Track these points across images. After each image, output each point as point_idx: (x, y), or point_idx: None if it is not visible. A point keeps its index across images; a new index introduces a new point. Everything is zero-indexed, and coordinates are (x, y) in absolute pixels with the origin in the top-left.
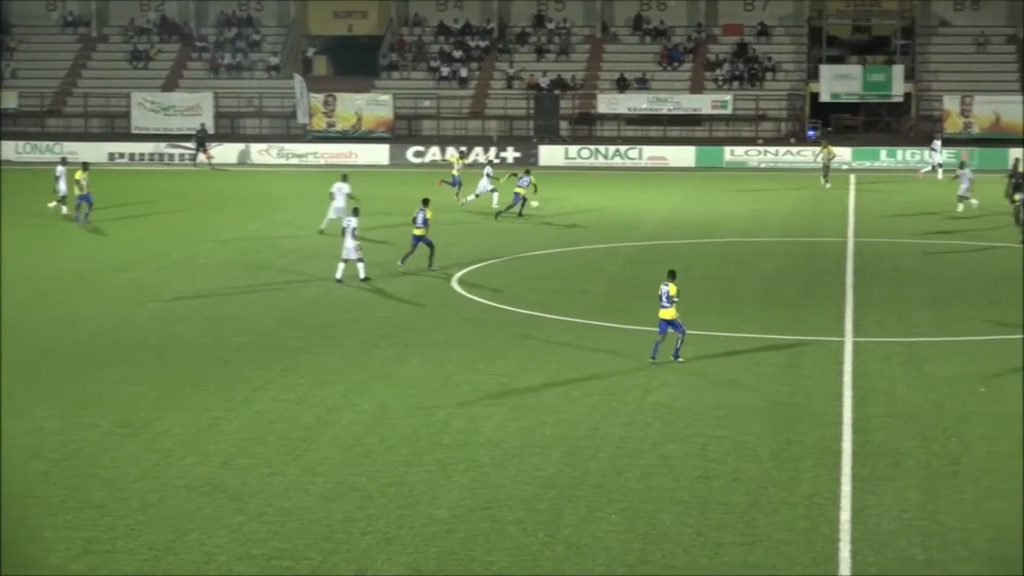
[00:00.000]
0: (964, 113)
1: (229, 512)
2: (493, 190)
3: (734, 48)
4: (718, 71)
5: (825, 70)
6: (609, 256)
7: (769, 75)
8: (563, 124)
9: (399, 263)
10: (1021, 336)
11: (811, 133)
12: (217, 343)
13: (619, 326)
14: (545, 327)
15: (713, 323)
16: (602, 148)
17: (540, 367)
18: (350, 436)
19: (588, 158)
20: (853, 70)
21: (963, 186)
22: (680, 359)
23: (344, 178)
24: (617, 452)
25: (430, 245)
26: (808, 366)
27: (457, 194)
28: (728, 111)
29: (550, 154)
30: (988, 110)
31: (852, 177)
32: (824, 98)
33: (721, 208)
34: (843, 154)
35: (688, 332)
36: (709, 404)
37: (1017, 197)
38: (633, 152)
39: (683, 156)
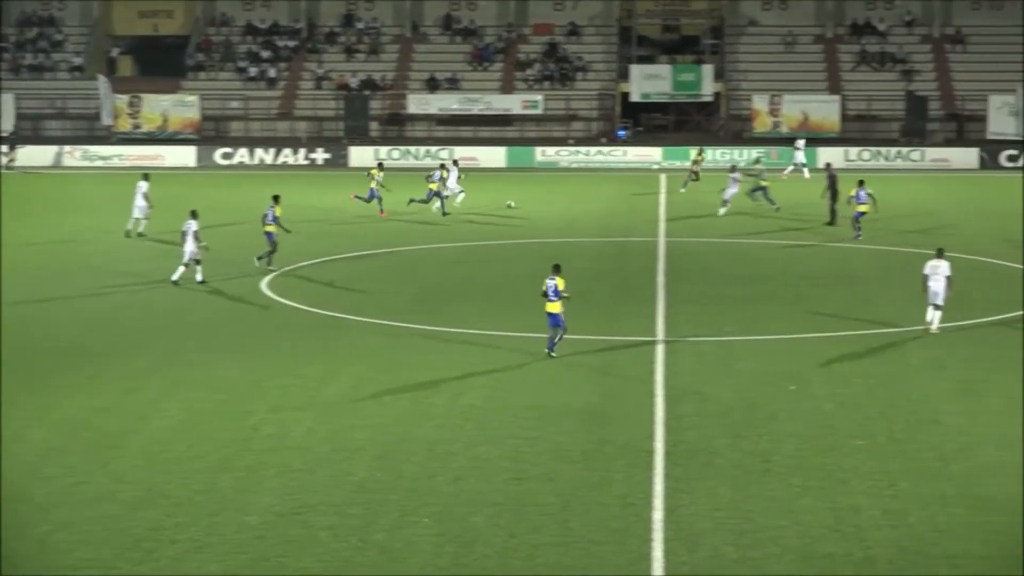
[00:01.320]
0: (773, 112)
1: (34, 522)
2: (460, 191)
3: (544, 48)
4: (529, 71)
5: (635, 70)
6: (421, 258)
7: (580, 75)
8: (373, 125)
9: (256, 261)
10: (828, 334)
11: (621, 133)
12: (22, 350)
13: (432, 328)
14: (356, 330)
15: (526, 324)
16: (413, 149)
17: (351, 370)
18: (159, 443)
19: (399, 159)
20: (663, 70)
21: (730, 191)
22: (554, 355)
23: (145, 177)
24: (429, 455)
25: (272, 244)
26: (620, 366)
27: (381, 209)
28: (539, 111)
29: (360, 155)
30: (796, 109)
31: (663, 177)
32: (635, 98)
33: (533, 209)
34: (653, 154)
35: (502, 334)
36: (522, 406)
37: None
38: (444, 153)
39: (494, 156)
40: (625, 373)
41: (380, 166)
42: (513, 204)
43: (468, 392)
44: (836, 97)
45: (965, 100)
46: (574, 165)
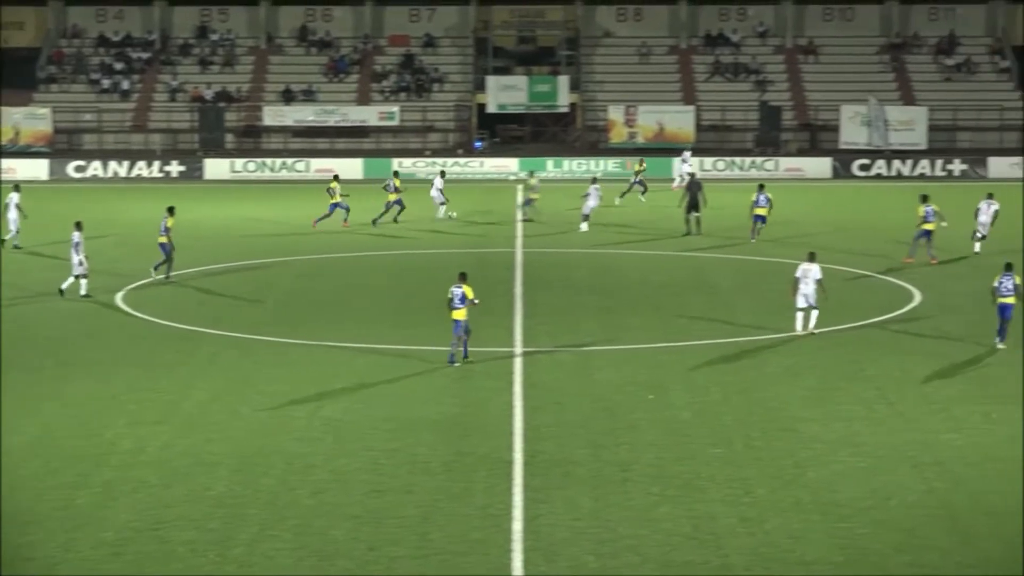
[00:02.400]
0: (629, 123)
1: None
2: (443, 201)
3: (401, 59)
4: (385, 82)
5: (491, 81)
6: (279, 270)
7: (436, 86)
8: (228, 137)
9: (152, 272)
10: (687, 343)
11: (478, 144)
12: None
13: (288, 341)
14: (212, 343)
15: (384, 336)
16: (269, 161)
17: (207, 384)
18: (13, 459)
19: (255, 171)
20: (519, 81)
21: (590, 203)
22: (469, 359)
23: (16, 188)
24: (288, 468)
25: (167, 254)
26: (479, 377)
27: (345, 219)
28: (396, 122)
29: (216, 167)
30: (652, 120)
31: (520, 188)
32: (491, 109)
33: (391, 219)
34: (510, 165)
35: (360, 346)
36: (381, 417)
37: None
38: (300, 165)
39: (351, 168)
40: (484, 384)
41: (336, 178)
42: (455, 215)
43: (327, 404)
44: (691, 107)
45: (818, 110)
46: (431, 176)
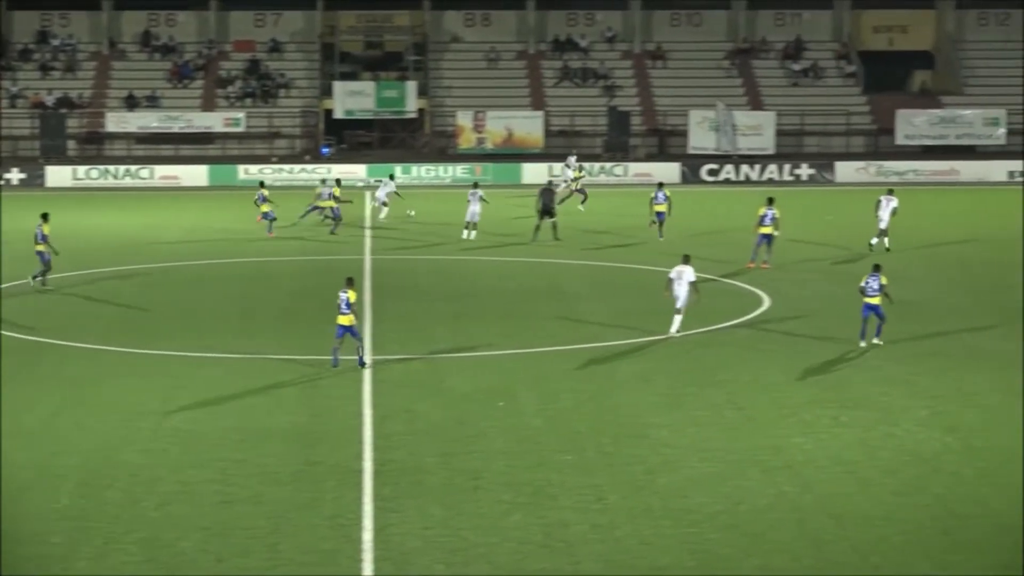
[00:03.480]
0: (477, 128)
1: None
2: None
3: (246, 64)
4: (230, 88)
5: (338, 86)
6: (124, 279)
7: (282, 92)
8: (71, 144)
9: (31, 281)
10: (537, 349)
11: (325, 150)
12: None
13: (133, 351)
14: (56, 354)
15: (231, 345)
16: (112, 168)
17: (51, 396)
18: None
19: (98, 178)
20: (367, 86)
21: (473, 209)
22: (367, 364)
23: None
24: (134, 480)
25: (45, 263)
26: (328, 386)
27: (270, 230)
28: (241, 129)
29: (58, 175)
30: (500, 125)
31: (368, 194)
32: (338, 115)
33: (238, 227)
34: (358, 171)
35: (207, 355)
36: (229, 427)
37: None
38: (144, 171)
39: (196, 175)
40: (332, 392)
41: (262, 184)
42: (413, 213)
43: (173, 415)
44: (539, 113)
45: (666, 115)
46: (278, 183)
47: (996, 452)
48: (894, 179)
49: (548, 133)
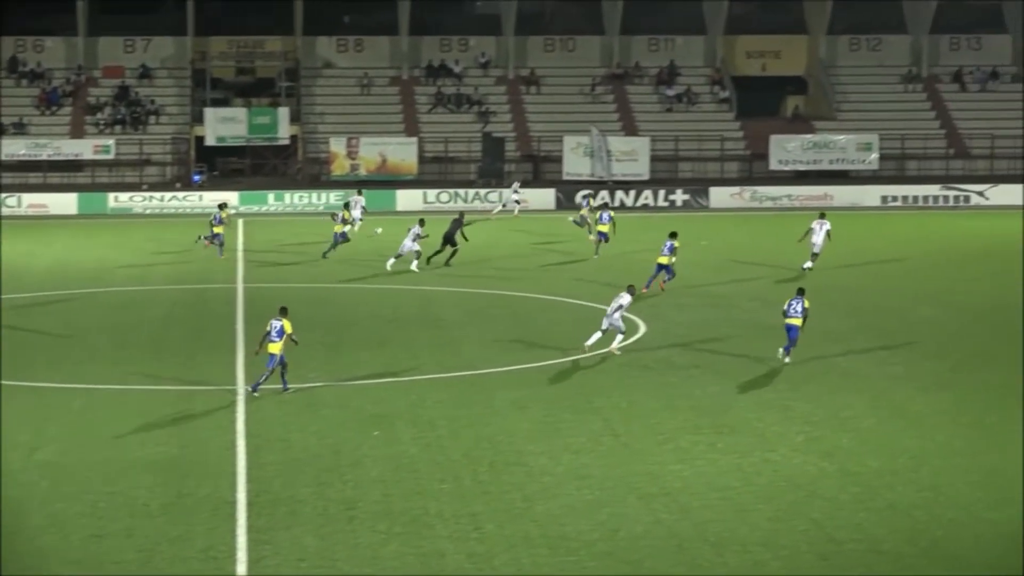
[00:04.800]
0: (351, 155)
1: None
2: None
3: (115, 91)
4: (100, 115)
5: (210, 113)
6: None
7: (153, 118)
8: None
9: None
10: (412, 377)
11: (196, 178)
12: None
13: (3, 382)
14: None
15: (103, 375)
16: None
17: None
18: None
19: None
20: (238, 113)
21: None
22: (290, 389)
23: None
24: (3, 513)
25: None
26: (200, 416)
27: (216, 245)
28: (111, 156)
29: None
30: (374, 152)
31: (240, 222)
32: (210, 141)
33: (108, 256)
34: (230, 198)
35: (78, 386)
36: (99, 460)
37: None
38: (12, 200)
39: (65, 203)
40: (205, 423)
41: (221, 207)
42: (380, 231)
43: (43, 447)
44: (413, 139)
45: (541, 141)
46: (148, 211)
47: (872, 476)
48: (768, 204)
49: (422, 159)
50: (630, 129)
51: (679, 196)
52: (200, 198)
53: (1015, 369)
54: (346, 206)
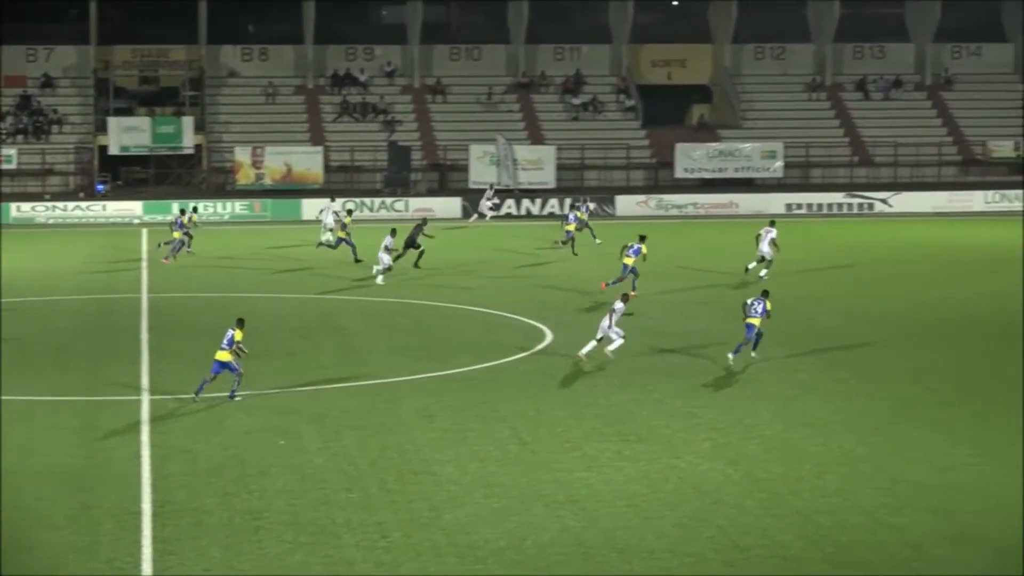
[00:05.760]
0: (256, 164)
1: None
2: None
3: (17, 100)
4: (1, 124)
5: (113, 122)
6: None
7: (55, 128)
8: None
9: None
10: (319, 387)
11: (100, 187)
12: None
13: None
14: None
15: (5, 386)
16: None
17: None
18: None
19: None
20: (142, 122)
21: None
22: (237, 398)
23: None
24: None
25: None
26: (105, 427)
27: (172, 254)
28: (13, 166)
29: None
30: (279, 161)
31: (145, 231)
32: (113, 151)
33: (10, 266)
34: (134, 208)
35: None
36: (3, 471)
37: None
38: None
39: None
40: (109, 434)
41: (192, 210)
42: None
43: None
44: (319, 148)
45: (447, 150)
46: (51, 221)
47: (778, 483)
48: (674, 212)
49: (328, 168)
50: (536, 138)
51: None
52: (104, 208)
53: (917, 378)
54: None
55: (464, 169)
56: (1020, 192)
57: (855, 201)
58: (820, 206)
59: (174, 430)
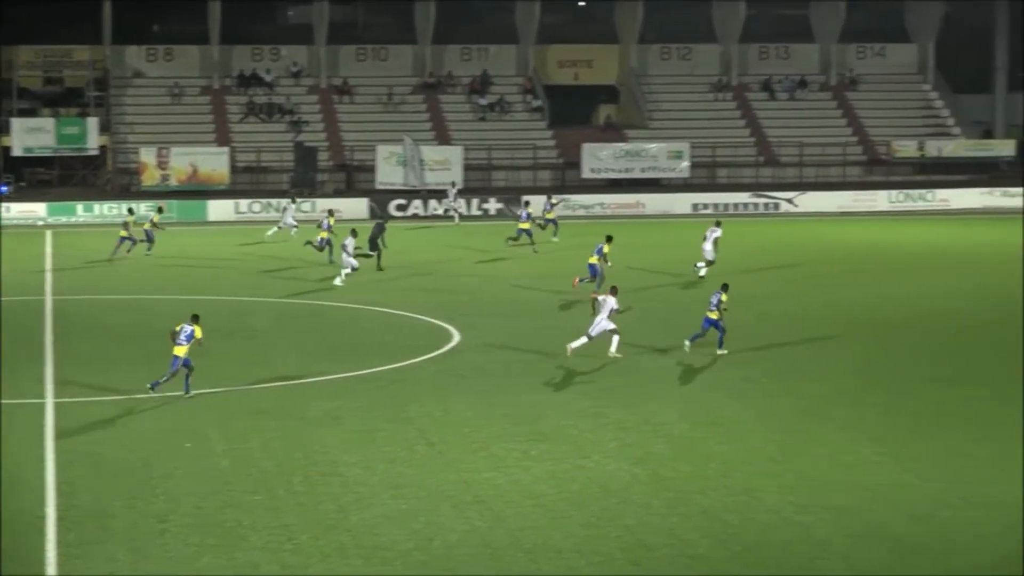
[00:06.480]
0: (161, 165)
1: None
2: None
3: None
4: None
5: (17, 123)
6: None
7: None
8: None
9: None
10: (227, 388)
11: (3, 189)
12: None
13: None
14: None
15: None
16: None
17: None
18: None
19: None
20: (46, 123)
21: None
22: (191, 394)
23: None
24: None
25: None
26: (8, 431)
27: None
28: None
29: None
30: (185, 162)
31: (49, 233)
32: (17, 152)
33: None
34: (38, 210)
35: None
36: None
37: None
38: None
39: None
40: (13, 437)
41: (130, 211)
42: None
43: None
44: (225, 149)
45: (354, 150)
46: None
47: (684, 482)
48: (581, 213)
49: (234, 169)
50: (443, 138)
51: (492, 205)
52: (8, 209)
53: (825, 376)
54: (330, 213)
55: (371, 170)
56: (924, 191)
57: (761, 201)
58: (726, 206)
59: (79, 433)
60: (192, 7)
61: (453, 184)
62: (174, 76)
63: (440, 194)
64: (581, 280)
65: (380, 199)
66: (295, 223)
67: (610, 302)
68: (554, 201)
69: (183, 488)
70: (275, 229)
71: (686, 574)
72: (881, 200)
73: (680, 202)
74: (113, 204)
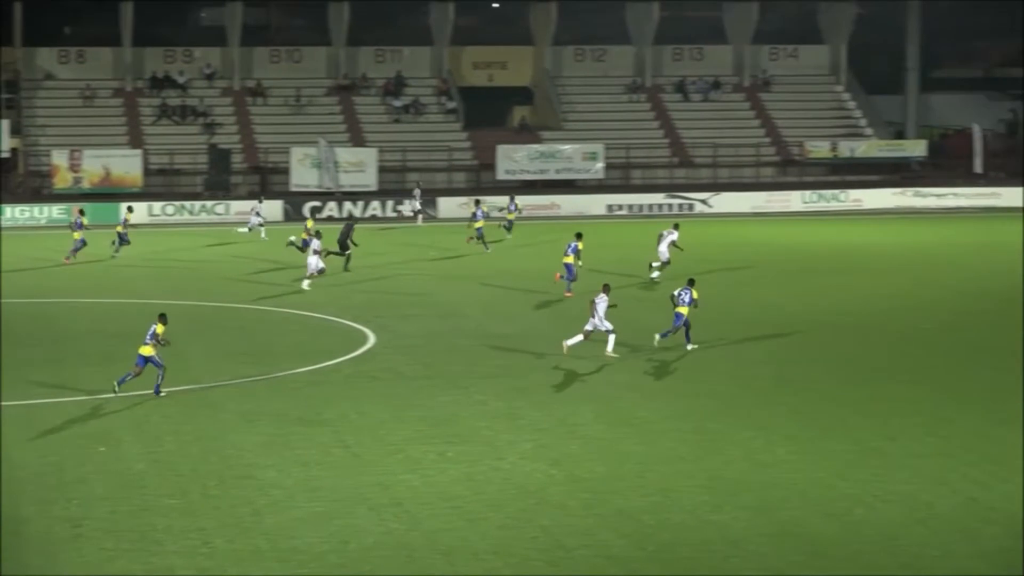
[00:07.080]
0: (73, 168)
1: None
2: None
3: None
4: None
5: None
6: None
7: None
8: None
9: None
10: (138, 392)
11: None
12: None
13: None
14: None
15: None
16: None
17: None
18: None
19: None
20: None
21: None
22: (162, 394)
23: None
24: None
25: None
26: None
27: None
28: None
29: None
30: (98, 164)
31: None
32: None
33: None
34: None
35: None
36: None
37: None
38: None
39: None
40: None
41: (130, 208)
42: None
43: None
44: (138, 151)
45: (268, 153)
46: None
47: (600, 483)
48: (496, 214)
49: (147, 172)
50: (357, 140)
51: (407, 206)
52: None
53: (738, 377)
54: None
55: (285, 172)
56: (837, 192)
57: (675, 202)
58: (641, 207)
59: None
60: (104, 9)
61: (418, 184)
62: (86, 78)
63: (354, 196)
64: (563, 278)
65: (294, 201)
66: (258, 224)
67: (601, 300)
68: (518, 203)
69: (97, 493)
70: (246, 229)
71: (603, 575)
72: (795, 200)
73: (595, 203)
74: (25, 207)
